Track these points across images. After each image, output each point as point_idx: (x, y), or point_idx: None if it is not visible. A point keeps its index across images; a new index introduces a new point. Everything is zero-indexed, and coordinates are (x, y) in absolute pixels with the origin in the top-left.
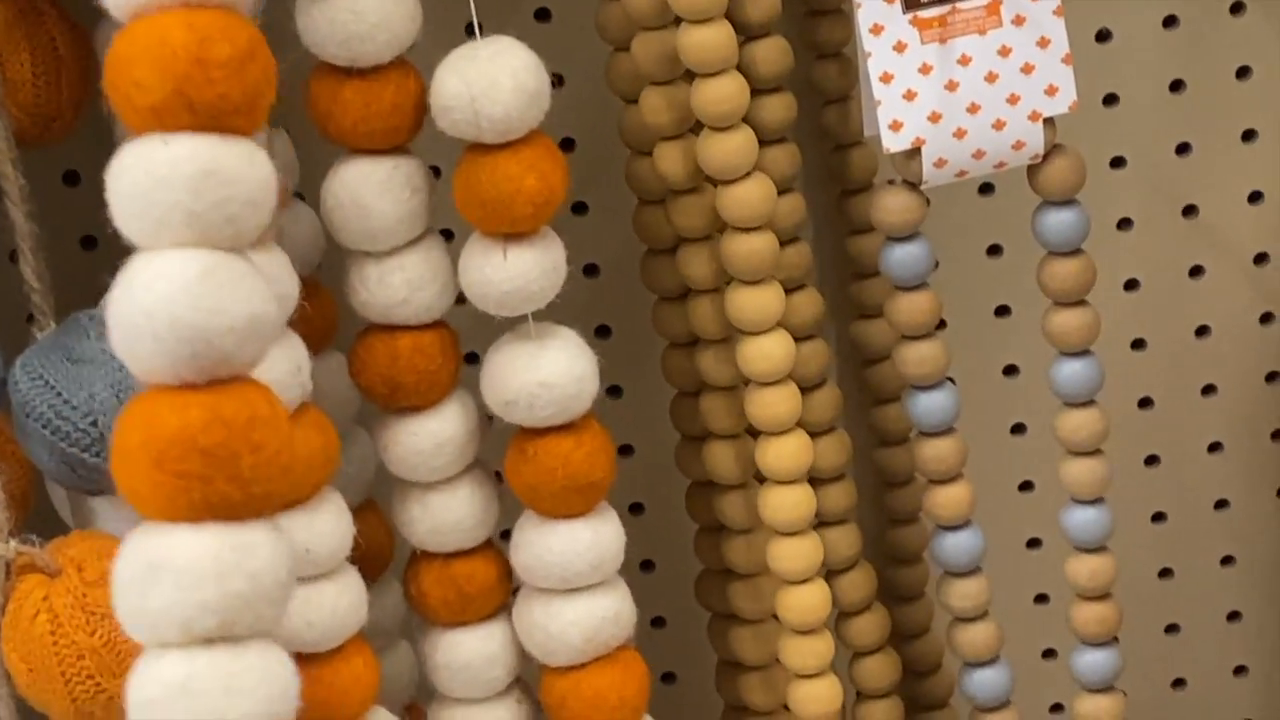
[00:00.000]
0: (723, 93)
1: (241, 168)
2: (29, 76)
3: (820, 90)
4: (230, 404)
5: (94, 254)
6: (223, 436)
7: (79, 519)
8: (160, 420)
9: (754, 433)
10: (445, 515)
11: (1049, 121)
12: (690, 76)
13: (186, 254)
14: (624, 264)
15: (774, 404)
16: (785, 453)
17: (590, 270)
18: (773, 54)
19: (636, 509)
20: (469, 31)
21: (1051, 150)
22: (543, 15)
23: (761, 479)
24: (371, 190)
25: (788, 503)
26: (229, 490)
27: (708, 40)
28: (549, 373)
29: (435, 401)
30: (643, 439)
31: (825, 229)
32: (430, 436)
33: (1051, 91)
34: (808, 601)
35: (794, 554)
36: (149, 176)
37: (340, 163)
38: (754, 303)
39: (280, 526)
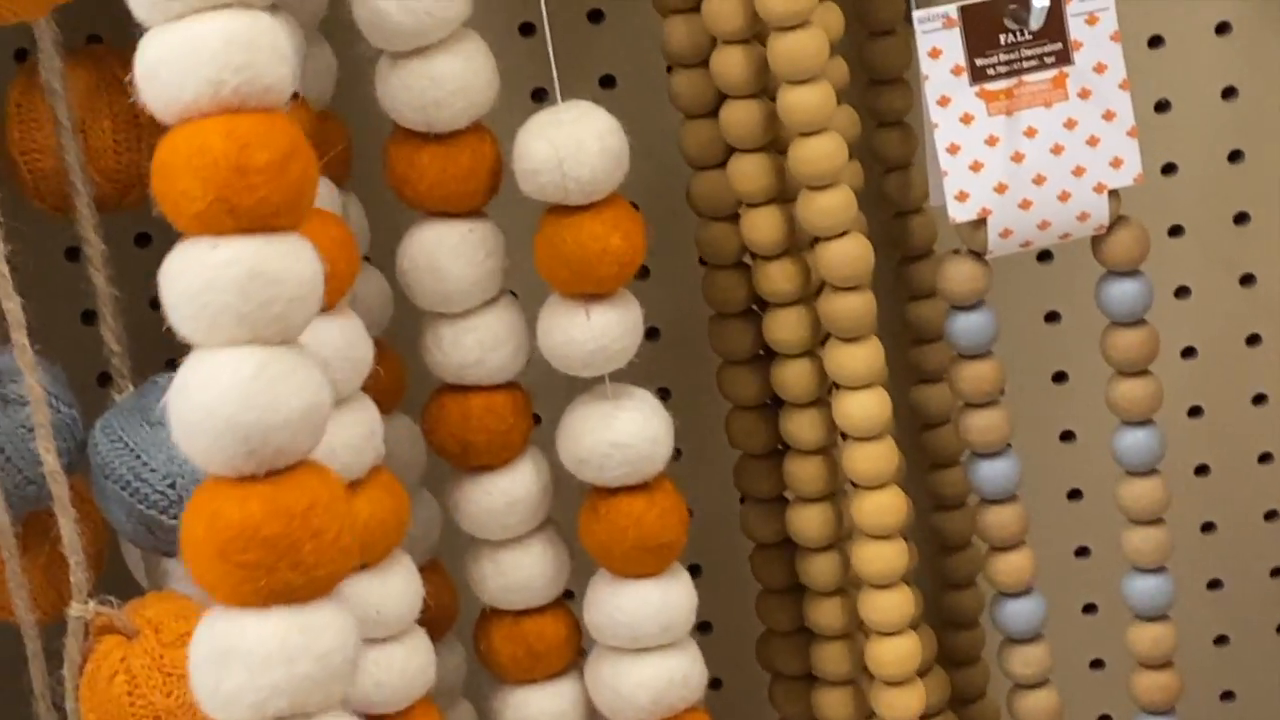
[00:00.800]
0: (823, 151)
1: (287, 266)
2: (110, 144)
3: (881, 158)
4: (289, 493)
5: (163, 315)
6: (283, 526)
7: (153, 580)
8: (222, 513)
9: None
10: (516, 573)
11: (1114, 193)
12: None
13: (239, 352)
14: (685, 327)
15: (873, 459)
16: (882, 507)
17: (651, 334)
18: (845, 122)
19: (694, 570)
20: (535, 97)
21: (1116, 222)
22: (607, 82)
23: (840, 539)
24: (447, 253)
25: (884, 555)
26: (292, 576)
27: (811, 100)
28: (622, 433)
29: (507, 461)
30: (702, 501)
31: (884, 294)
32: (502, 495)
33: (1116, 164)
34: (900, 653)
35: (888, 606)
36: (198, 280)
37: (416, 226)
38: (855, 359)
39: (346, 599)
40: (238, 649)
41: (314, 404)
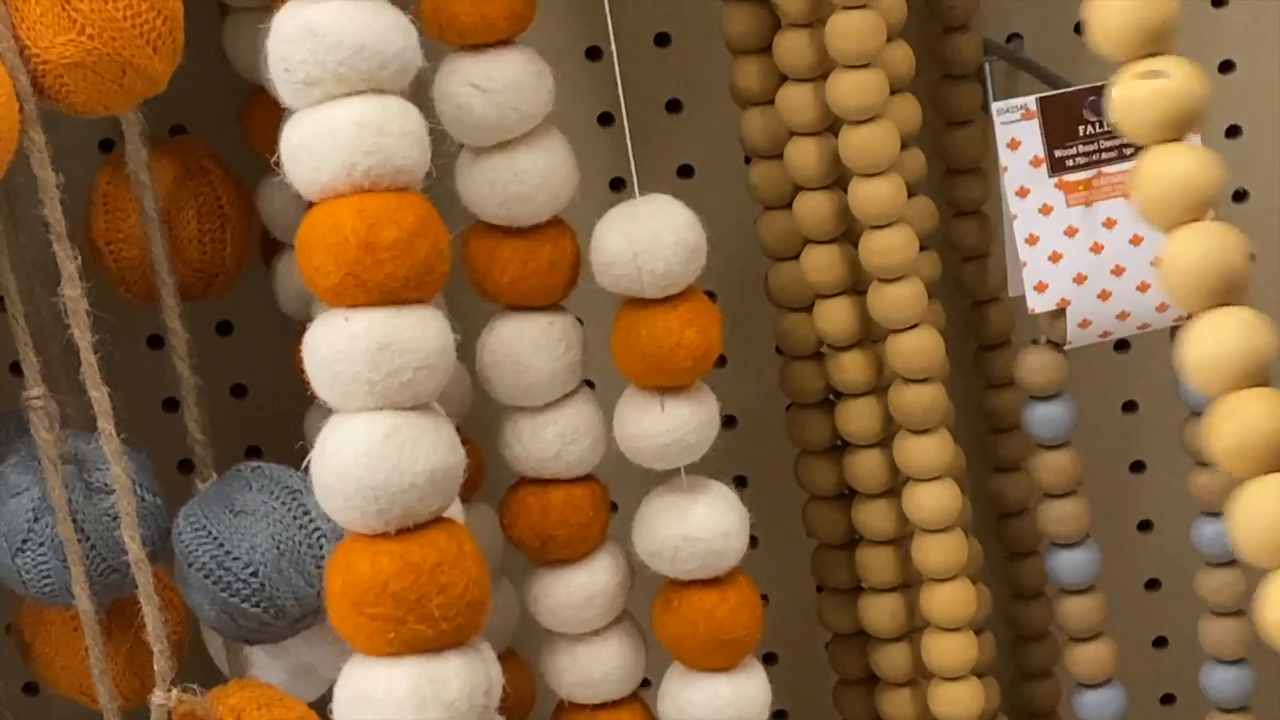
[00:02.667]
0: (894, 244)
1: (415, 337)
2: (195, 234)
3: (958, 247)
4: (418, 550)
5: (244, 402)
6: (411, 581)
7: (235, 667)
8: (356, 569)
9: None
10: (594, 668)
11: None
12: (851, 235)
13: (370, 418)
14: (763, 416)
15: (944, 551)
16: (953, 599)
17: (729, 421)
18: (921, 213)
19: (771, 658)
20: (613, 186)
21: None
22: (685, 171)
23: (915, 629)
24: (527, 347)
25: (954, 648)
26: (421, 629)
27: (882, 193)
28: (695, 526)
29: (586, 554)
30: (779, 589)
31: (961, 383)
32: (581, 589)
33: None
34: None
35: (960, 697)
36: (333, 350)
37: (496, 320)
38: (925, 451)
39: (477, 650)
40: (372, 695)
41: (442, 467)
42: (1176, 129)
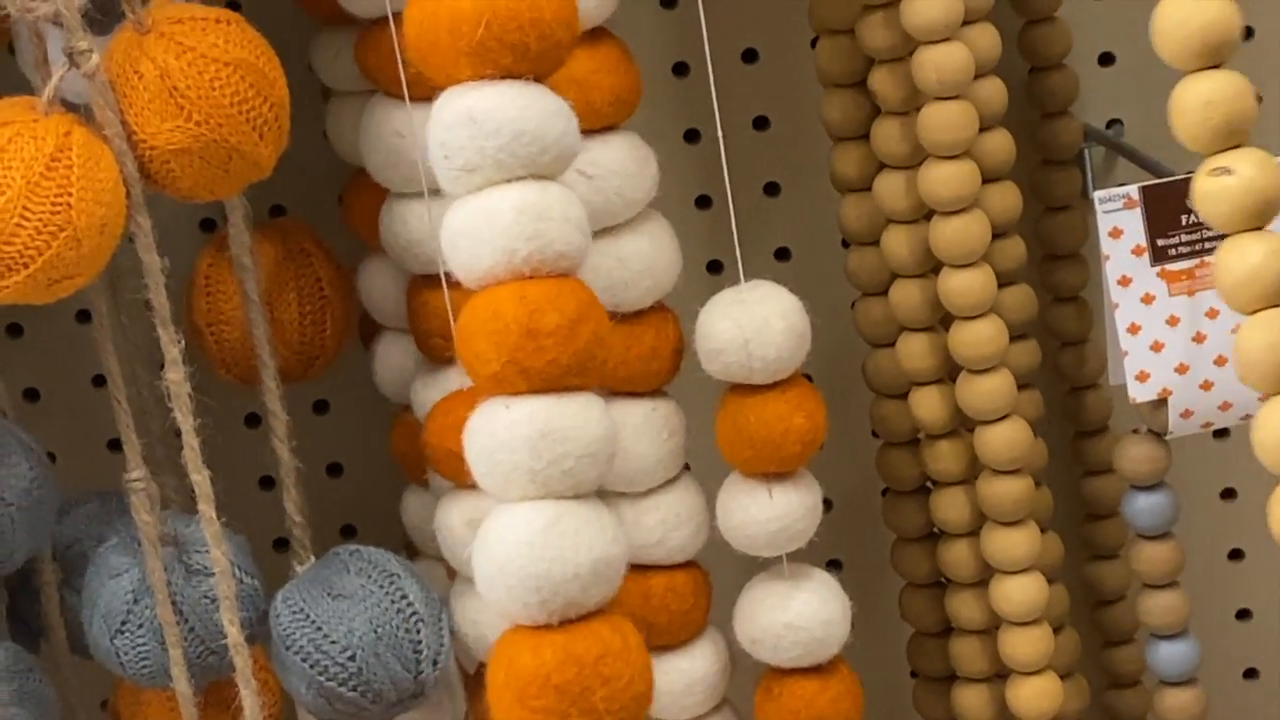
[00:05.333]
0: (985, 335)
1: (577, 425)
2: (296, 317)
3: (1057, 333)
4: (581, 642)
5: (340, 481)
6: (574, 674)
7: None
8: (518, 661)
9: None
10: None
11: None
12: (945, 324)
13: (532, 507)
14: (858, 500)
15: (1031, 643)
16: (1040, 692)
17: (824, 505)
18: (1021, 301)
19: None
20: (710, 269)
21: None
22: (782, 254)
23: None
24: (630, 433)
25: None
26: None
27: (972, 285)
28: (798, 614)
29: (687, 641)
30: (874, 674)
31: (1058, 471)
32: (681, 676)
33: None
34: None
35: None
36: (493, 439)
37: None
38: (1013, 543)
39: None
40: None
41: (605, 557)
42: (1250, 221)
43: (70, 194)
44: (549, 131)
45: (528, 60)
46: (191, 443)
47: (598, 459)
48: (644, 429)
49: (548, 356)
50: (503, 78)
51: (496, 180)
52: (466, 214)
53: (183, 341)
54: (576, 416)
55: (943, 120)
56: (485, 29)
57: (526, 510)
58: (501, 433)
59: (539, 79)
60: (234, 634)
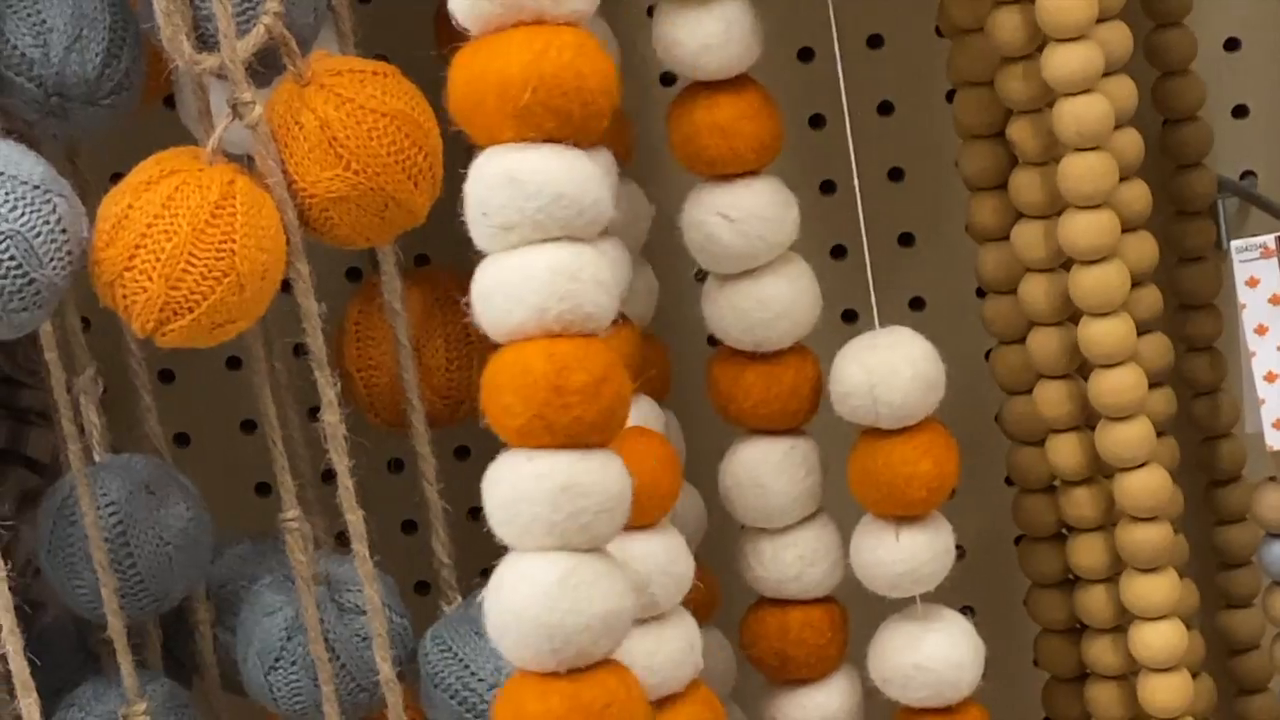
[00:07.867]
0: (1124, 383)
1: (596, 481)
2: (443, 363)
3: (1191, 382)
4: (588, 691)
5: (478, 523)
6: None
7: None
8: (526, 706)
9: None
10: None
11: None
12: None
13: (548, 558)
14: (992, 546)
15: (1168, 690)
16: None
17: (958, 552)
18: (1158, 349)
19: None
20: (845, 318)
21: None
22: (917, 304)
23: None
24: (769, 470)
25: None
26: None
27: (1112, 333)
28: (928, 656)
29: (823, 675)
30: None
31: (1191, 520)
32: (818, 709)
33: None
34: None
35: None
36: (514, 490)
37: (739, 443)
38: (1153, 590)
39: None
40: None
41: (615, 610)
42: None
43: (234, 240)
44: (586, 195)
45: (570, 126)
46: (346, 483)
47: (614, 514)
48: (783, 466)
49: (573, 413)
50: (544, 141)
51: (533, 239)
52: (501, 270)
53: (339, 385)
54: (596, 472)
55: (1084, 171)
56: (532, 94)
57: (542, 561)
58: (523, 484)
59: (577, 144)
60: (386, 670)
